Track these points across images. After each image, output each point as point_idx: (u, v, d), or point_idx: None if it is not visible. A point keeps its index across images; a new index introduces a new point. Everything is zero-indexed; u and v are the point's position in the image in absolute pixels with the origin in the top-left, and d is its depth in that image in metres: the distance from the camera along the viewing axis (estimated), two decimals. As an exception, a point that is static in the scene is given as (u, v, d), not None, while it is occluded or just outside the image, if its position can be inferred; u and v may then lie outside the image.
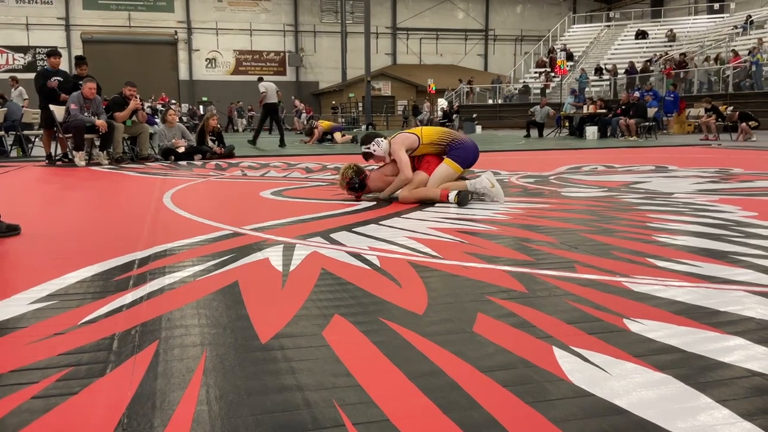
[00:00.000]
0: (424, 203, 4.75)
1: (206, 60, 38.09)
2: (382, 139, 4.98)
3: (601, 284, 2.47)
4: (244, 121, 32.17)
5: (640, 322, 2.00)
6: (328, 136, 16.15)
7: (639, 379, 1.58)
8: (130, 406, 1.46)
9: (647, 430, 1.33)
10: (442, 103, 29.71)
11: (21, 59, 34.74)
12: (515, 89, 30.87)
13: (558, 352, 1.76)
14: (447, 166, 4.88)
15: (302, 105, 29.21)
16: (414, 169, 4.92)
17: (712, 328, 1.95)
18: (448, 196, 4.62)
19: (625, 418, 1.38)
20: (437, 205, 4.70)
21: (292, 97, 31.72)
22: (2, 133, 11.10)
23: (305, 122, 25.77)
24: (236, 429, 1.35)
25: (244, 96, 33.51)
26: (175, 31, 37.21)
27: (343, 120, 30.97)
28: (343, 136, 16.24)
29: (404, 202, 4.80)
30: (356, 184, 5.01)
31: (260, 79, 15.79)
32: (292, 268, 2.79)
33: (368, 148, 5.02)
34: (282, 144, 14.28)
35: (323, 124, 16.99)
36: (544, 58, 32.10)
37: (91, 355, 1.78)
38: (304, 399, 1.49)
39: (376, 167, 5.21)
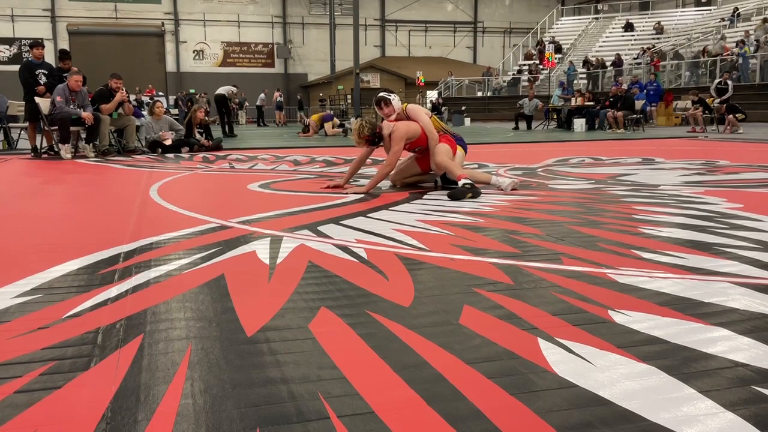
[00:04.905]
0: (414, 193, 4.80)
1: (194, 52, 37.84)
2: (397, 97, 5.32)
3: (587, 276, 2.48)
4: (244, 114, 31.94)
5: (624, 314, 2.01)
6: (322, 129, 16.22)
7: (623, 370, 1.59)
8: (114, 400, 1.45)
9: (631, 421, 1.34)
10: (432, 95, 29.69)
11: (6, 51, 34.36)
12: (504, 82, 30.91)
13: (543, 344, 1.77)
14: (460, 153, 5.26)
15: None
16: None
17: (697, 320, 1.96)
18: (459, 180, 4.73)
19: (609, 409, 1.39)
20: (425, 197, 4.72)
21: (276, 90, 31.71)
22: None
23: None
24: (220, 422, 1.35)
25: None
26: (162, 23, 36.91)
27: (332, 112, 30.84)
28: (333, 127, 16.21)
29: (438, 164, 5.00)
30: (376, 138, 5.19)
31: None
32: (279, 260, 2.79)
33: (389, 95, 5.28)
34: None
35: (313, 117, 17.02)
36: (533, 51, 32.13)
37: (75, 349, 1.77)
38: (289, 392, 1.49)
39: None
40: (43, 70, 9.59)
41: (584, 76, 26.87)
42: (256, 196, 4.99)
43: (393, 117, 5.21)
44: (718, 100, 15.09)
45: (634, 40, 30.43)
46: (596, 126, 17.16)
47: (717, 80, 16.46)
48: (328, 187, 5.30)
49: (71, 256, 2.86)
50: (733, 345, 1.76)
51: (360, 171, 5.61)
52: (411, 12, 40.97)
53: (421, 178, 5.39)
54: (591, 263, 2.67)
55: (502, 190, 4.90)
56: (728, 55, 21.21)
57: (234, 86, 17.73)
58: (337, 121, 16.55)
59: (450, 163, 4.97)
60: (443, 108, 26.15)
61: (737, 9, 26.77)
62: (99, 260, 2.81)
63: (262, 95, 29.49)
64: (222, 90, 16.35)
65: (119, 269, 2.65)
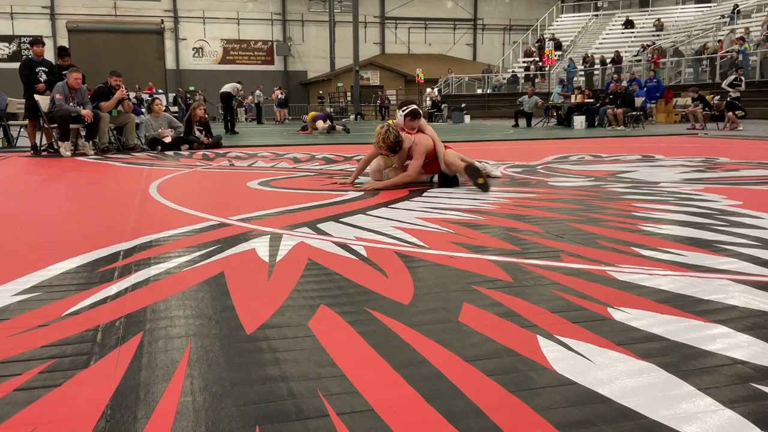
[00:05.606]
0: (413, 191, 4.83)
1: (193, 49, 37.80)
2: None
3: (586, 273, 2.48)
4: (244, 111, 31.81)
5: (624, 311, 2.02)
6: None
7: (622, 368, 1.59)
8: (113, 398, 1.45)
9: (630, 419, 1.34)
10: (433, 92, 29.64)
11: (6, 48, 34.32)
12: (504, 79, 30.88)
13: (542, 341, 1.77)
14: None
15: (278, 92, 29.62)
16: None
17: (696, 317, 1.96)
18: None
19: (608, 407, 1.39)
20: (424, 194, 4.73)
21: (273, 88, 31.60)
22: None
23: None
24: (220, 420, 1.35)
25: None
26: (162, 20, 36.88)
27: (332, 109, 30.78)
28: (325, 123, 16.17)
29: (450, 164, 5.18)
30: (396, 147, 5.18)
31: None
32: (278, 258, 2.79)
33: (418, 109, 5.46)
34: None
35: (308, 117, 17.01)
36: (533, 48, 32.09)
37: (75, 347, 1.77)
38: (288, 389, 1.49)
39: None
40: (43, 68, 9.58)
41: (584, 73, 26.86)
42: (256, 194, 4.99)
43: (416, 130, 5.32)
44: (732, 94, 14.99)
45: (634, 37, 30.39)
46: (596, 123, 17.15)
47: (732, 76, 16.44)
48: (334, 183, 5.48)
49: (71, 254, 2.86)
50: (732, 342, 1.76)
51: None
52: (411, 9, 40.92)
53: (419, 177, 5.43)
54: (590, 260, 2.67)
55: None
56: (729, 51, 21.17)
57: (239, 82, 17.69)
58: (328, 123, 16.40)
59: (462, 165, 5.16)
60: (443, 105, 26.12)
61: (737, 6, 26.72)
62: (98, 258, 2.81)
63: (258, 92, 29.26)
64: (227, 87, 16.27)
65: (119, 267, 2.65)
